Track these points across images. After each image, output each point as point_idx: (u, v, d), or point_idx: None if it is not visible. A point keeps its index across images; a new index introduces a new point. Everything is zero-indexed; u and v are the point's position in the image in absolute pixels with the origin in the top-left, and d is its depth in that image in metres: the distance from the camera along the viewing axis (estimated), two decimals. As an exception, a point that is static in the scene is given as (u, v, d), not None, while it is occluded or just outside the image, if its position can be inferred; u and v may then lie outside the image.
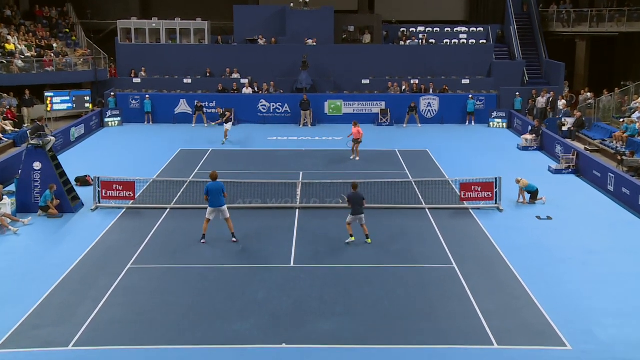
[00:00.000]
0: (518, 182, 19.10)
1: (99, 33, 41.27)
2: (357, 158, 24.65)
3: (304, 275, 13.70)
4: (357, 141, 24.52)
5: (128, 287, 13.12)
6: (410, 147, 27.16)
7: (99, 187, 18.36)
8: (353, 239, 15.43)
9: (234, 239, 15.46)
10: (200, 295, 12.74)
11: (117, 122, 31.88)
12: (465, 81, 34.89)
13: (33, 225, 16.92)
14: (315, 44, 35.65)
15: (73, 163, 23.04)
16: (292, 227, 16.76)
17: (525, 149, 26.72)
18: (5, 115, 27.82)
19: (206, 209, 15.47)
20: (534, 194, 19.07)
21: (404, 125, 32.15)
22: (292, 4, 36.60)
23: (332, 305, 12.27)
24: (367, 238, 15.49)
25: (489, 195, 18.44)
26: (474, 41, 37.70)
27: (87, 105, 32.73)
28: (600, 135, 26.72)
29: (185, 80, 34.84)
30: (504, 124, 31.82)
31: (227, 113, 28.41)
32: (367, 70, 35.44)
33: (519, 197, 19.06)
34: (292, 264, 14.36)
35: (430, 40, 37.43)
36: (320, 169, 23.16)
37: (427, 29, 38.55)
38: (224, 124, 27.54)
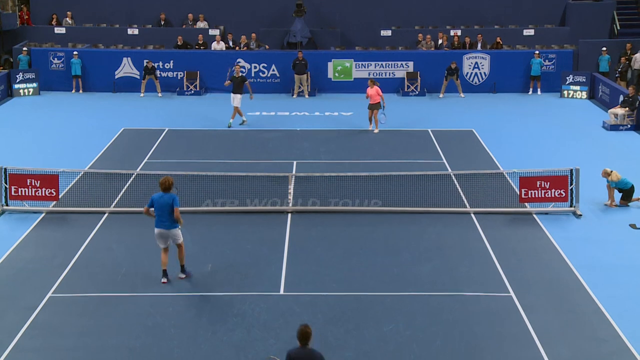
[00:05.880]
0: (607, 175, 18.94)
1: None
2: (376, 130, 25.49)
3: (298, 307, 13.67)
4: (375, 106, 25.44)
5: (48, 325, 13.08)
6: (450, 125, 27.15)
7: (6, 182, 18.31)
8: None
9: (182, 275, 14.82)
10: (151, 336, 12.69)
11: (31, 90, 31.86)
12: (529, 32, 34.81)
13: None
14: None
15: (-30, 148, 23.06)
16: (282, 239, 16.72)
17: (614, 127, 26.68)
18: None
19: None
20: (627, 192, 18.96)
21: (441, 95, 32.14)
22: None
23: (339, 351, 12.23)
24: None
25: (561, 194, 18.39)
26: (540, -25, 37.69)
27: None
28: None
29: (129, 31, 34.77)
30: (584, 93, 31.77)
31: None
32: (387, 18, 35.42)
33: (610, 198, 18.93)
34: (281, 292, 14.33)
35: (479, -26, 37.43)
36: (322, 157, 23.17)
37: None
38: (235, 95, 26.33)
